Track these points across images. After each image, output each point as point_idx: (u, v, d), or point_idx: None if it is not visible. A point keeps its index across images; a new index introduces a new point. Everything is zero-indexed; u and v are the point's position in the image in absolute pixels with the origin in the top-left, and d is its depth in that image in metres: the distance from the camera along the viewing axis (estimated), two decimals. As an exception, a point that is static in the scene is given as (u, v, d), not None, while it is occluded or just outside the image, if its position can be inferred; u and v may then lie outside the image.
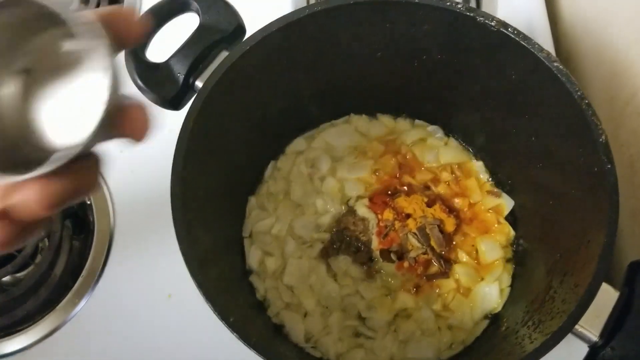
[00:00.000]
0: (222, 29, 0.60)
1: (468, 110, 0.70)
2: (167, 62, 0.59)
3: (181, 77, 0.58)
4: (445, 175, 0.72)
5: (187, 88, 0.59)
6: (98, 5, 0.92)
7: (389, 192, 0.71)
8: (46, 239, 0.74)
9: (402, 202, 0.69)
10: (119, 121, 0.33)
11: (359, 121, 0.76)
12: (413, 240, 0.67)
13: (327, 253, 0.68)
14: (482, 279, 0.66)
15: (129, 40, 0.34)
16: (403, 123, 0.76)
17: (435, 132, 0.75)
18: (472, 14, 0.56)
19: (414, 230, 0.67)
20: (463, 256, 0.67)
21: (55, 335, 0.70)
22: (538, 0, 0.87)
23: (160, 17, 0.61)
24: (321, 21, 0.59)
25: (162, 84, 0.59)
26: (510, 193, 0.71)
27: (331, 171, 0.72)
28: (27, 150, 0.34)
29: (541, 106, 0.58)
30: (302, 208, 0.71)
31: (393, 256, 0.67)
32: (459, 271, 0.66)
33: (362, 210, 0.69)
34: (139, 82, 0.59)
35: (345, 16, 0.59)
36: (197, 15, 0.61)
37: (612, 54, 0.77)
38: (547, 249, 0.61)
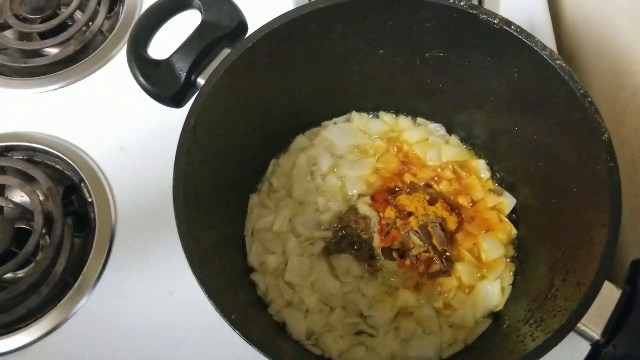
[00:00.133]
0: (224, 26, 0.60)
1: (470, 108, 0.69)
2: (168, 59, 0.59)
3: (183, 75, 0.58)
4: (447, 173, 0.72)
5: (188, 85, 0.59)
6: (98, 5, 0.92)
7: (391, 190, 0.71)
8: (47, 237, 0.74)
9: (403, 200, 0.69)
10: None
11: (361, 119, 0.76)
12: (415, 238, 0.67)
13: (329, 251, 0.68)
14: (484, 277, 0.66)
15: None
16: (405, 121, 0.76)
17: (437, 130, 0.75)
18: (474, 12, 0.56)
19: (416, 228, 0.67)
20: (465, 254, 0.67)
21: (56, 333, 0.70)
22: (540, -2, 0.87)
23: (162, 14, 0.61)
24: (323, 18, 0.59)
25: (164, 81, 0.59)
26: (512, 191, 0.71)
27: (333, 169, 0.72)
28: None
29: (543, 104, 0.58)
30: (304, 206, 0.71)
31: (395, 254, 0.67)
32: (460, 269, 0.66)
33: (364, 208, 0.69)
34: (141, 79, 0.59)
35: (348, 13, 0.59)
36: (199, 12, 0.61)
37: (614, 53, 0.77)
38: (549, 247, 0.61)
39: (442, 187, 0.71)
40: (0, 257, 0.72)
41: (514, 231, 0.69)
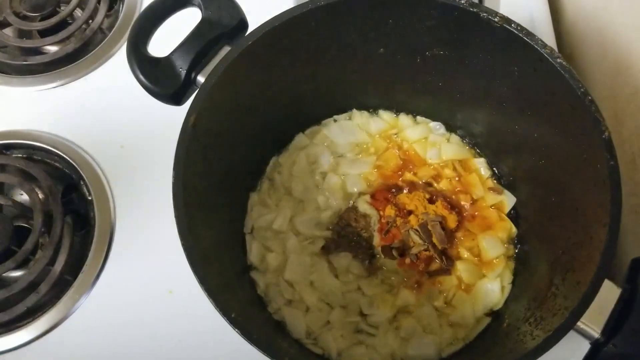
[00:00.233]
0: (224, 23, 0.60)
1: (470, 106, 0.69)
2: (168, 56, 0.59)
3: (183, 72, 0.58)
4: (447, 172, 0.71)
5: (188, 83, 0.59)
6: (98, 3, 0.92)
7: (391, 189, 0.71)
8: (47, 235, 0.74)
9: (404, 198, 0.69)
10: None
11: (361, 117, 0.76)
12: (415, 237, 0.67)
13: (329, 249, 0.68)
14: (484, 276, 0.66)
15: None
16: (405, 119, 0.76)
17: (437, 129, 0.75)
18: (475, 10, 0.56)
19: (416, 226, 0.67)
20: (465, 253, 0.67)
21: (55, 331, 0.70)
22: (541, -3, 0.87)
23: (162, 11, 0.61)
24: (324, 16, 0.59)
25: (164, 79, 0.58)
26: (512, 190, 0.71)
27: (333, 167, 0.72)
28: None
29: (544, 102, 0.58)
30: (304, 204, 0.71)
31: (395, 253, 0.67)
32: (460, 268, 0.66)
33: (364, 206, 0.69)
34: (141, 77, 0.59)
35: (348, 11, 0.59)
36: (199, 9, 0.61)
37: (615, 51, 0.77)
38: (549, 245, 0.61)
39: (443, 185, 0.71)
40: (-1, 255, 0.72)
41: (514, 230, 0.69)
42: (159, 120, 0.76)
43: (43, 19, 0.91)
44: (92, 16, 0.91)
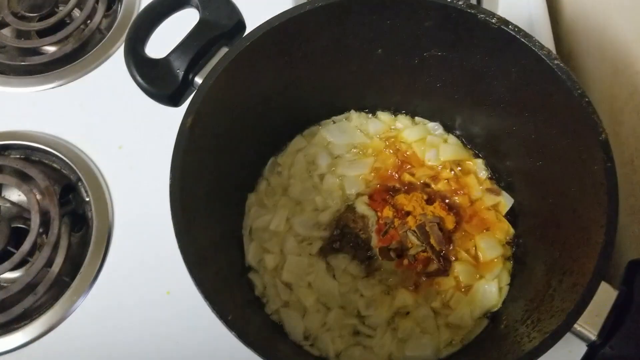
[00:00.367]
0: (222, 24, 0.60)
1: (468, 107, 0.69)
2: (166, 58, 0.59)
3: (180, 73, 0.58)
4: (445, 173, 0.71)
5: (186, 84, 0.59)
6: (96, 3, 0.92)
7: (389, 190, 0.71)
8: (44, 236, 0.74)
9: (402, 199, 0.69)
10: None
11: (359, 118, 0.76)
12: (412, 238, 0.67)
13: (327, 250, 0.68)
14: (482, 277, 0.66)
15: None
16: (403, 120, 0.75)
17: (435, 129, 0.75)
18: (473, 11, 0.56)
19: (414, 227, 0.67)
20: (462, 254, 0.67)
21: (53, 333, 0.70)
22: (539, -2, 0.87)
23: (159, 12, 0.61)
24: (322, 17, 0.59)
25: (162, 80, 0.58)
26: (510, 191, 0.71)
27: (331, 168, 0.72)
28: None
29: (541, 104, 0.58)
30: (302, 205, 0.71)
31: (392, 254, 0.67)
32: (458, 269, 0.66)
33: (362, 207, 0.69)
34: (138, 78, 0.59)
35: (346, 13, 0.59)
36: (196, 10, 0.61)
37: (613, 52, 0.77)
38: (547, 247, 0.61)
39: (440, 186, 0.71)
40: (-3, 256, 0.72)
41: (511, 231, 0.69)
42: (157, 121, 0.76)
43: (41, 19, 0.91)
44: (90, 16, 0.91)
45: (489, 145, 0.72)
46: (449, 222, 0.68)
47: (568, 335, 0.47)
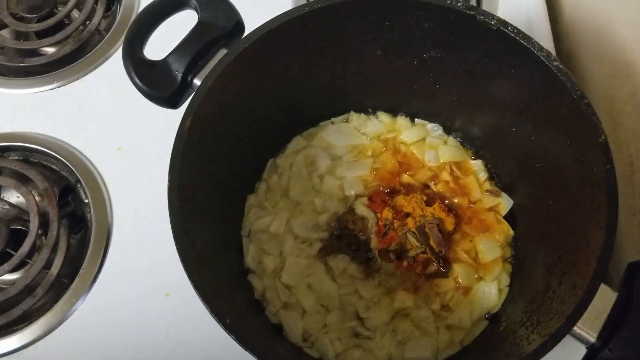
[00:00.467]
0: (220, 26, 0.60)
1: (467, 108, 0.69)
2: (164, 59, 0.59)
3: (179, 75, 0.58)
4: (445, 174, 0.71)
5: (185, 86, 0.59)
6: (95, 4, 0.92)
7: (388, 191, 0.71)
8: (43, 238, 0.74)
9: (401, 201, 0.69)
10: None
11: (359, 119, 0.75)
12: (412, 240, 0.67)
13: (326, 252, 0.68)
14: (481, 279, 0.66)
15: None
16: (402, 121, 0.75)
17: (434, 131, 0.75)
18: (472, 13, 0.55)
19: (413, 229, 0.67)
20: (462, 255, 0.67)
21: (52, 335, 0.70)
22: (539, -1, 0.87)
23: (158, 14, 0.61)
24: (321, 19, 0.59)
25: (160, 82, 0.58)
26: (509, 192, 0.70)
27: (330, 169, 0.72)
28: None
29: (541, 105, 0.58)
30: (301, 206, 0.70)
31: (392, 255, 0.67)
32: (458, 270, 0.66)
33: (361, 209, 0.69)
34: (137, 80, 0.59)
35: (345, 14, 0.59)
36: (195, 12, 0.61)
37: (612, 53, 0.77)
38: (546, 249, 0.61)
39: (440, 187, 0.71)
40: (-4, 258, 0.72)
41: (511, 232, 0.69)
42: (157, 123, 0.77)
43: (40, 20, 0.91)
44: (89, 17, 0.91)
45: (489, 147, 0.72)
46: (449, 224, 0.68)
47: (567, 337, 0.47)
